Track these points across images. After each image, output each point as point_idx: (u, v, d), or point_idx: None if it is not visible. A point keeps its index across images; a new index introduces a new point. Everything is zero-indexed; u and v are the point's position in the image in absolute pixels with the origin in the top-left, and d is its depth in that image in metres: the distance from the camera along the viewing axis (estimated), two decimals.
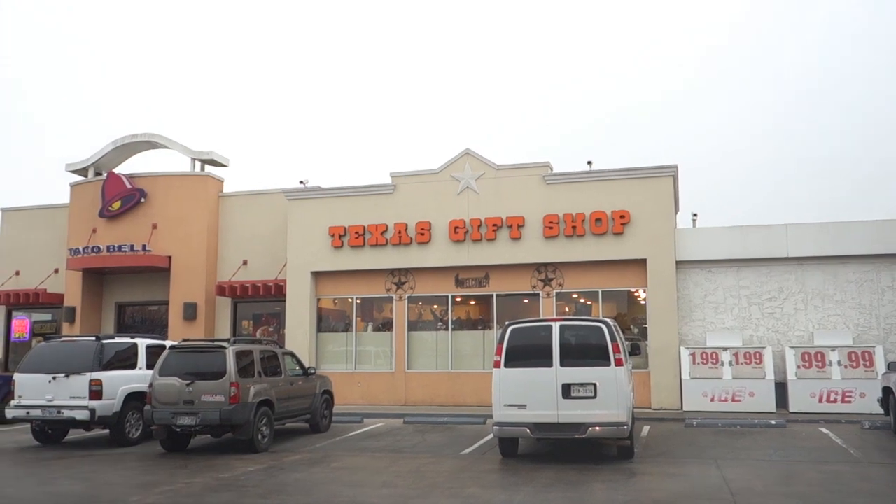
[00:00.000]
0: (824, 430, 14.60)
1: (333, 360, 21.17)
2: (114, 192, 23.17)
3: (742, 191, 50.35)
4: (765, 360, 17.58)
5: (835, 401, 16.97)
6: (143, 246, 22.65)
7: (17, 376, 14.23)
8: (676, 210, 20.36)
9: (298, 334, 21.01)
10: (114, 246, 22.75)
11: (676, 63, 61.82)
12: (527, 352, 11.48)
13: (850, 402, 16.86)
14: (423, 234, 20.29)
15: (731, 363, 17.71)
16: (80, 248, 23.13)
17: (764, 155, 52.50)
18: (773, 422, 15.66)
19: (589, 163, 20.03)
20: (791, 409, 17.11)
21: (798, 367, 17.39)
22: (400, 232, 20.45)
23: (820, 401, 17.03)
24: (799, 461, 11.36)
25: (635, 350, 14.27)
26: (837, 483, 9.67)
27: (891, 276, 18.18)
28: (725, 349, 17.87)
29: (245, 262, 22.88)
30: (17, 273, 25.10)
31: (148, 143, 24.46)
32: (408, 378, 20.43)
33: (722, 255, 18.89)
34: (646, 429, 15.07)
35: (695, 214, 20.79)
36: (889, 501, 8.97)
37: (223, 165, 24.09)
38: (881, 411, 14.94)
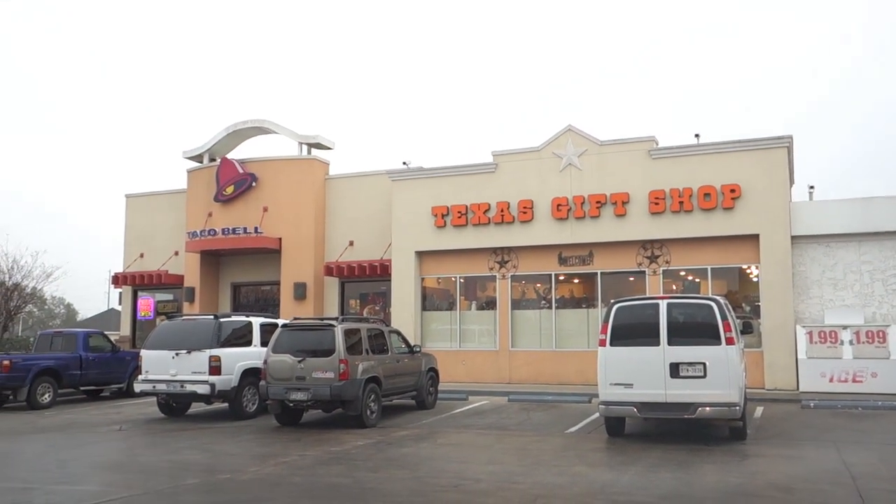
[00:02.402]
0: None
1: (438, 339, 21.44)
2: (227, 177, 24.15)
3: (866, 165, 47.44)
4: (889, 338, 16.58)
5: None
6: (255, 228, 23.53)
7: (143, 352, 15.13)
8: (791, 183, 19.39)
9: (404, 313, 21.37)
10: (228, 229, 23.75)
11: (789, 29, 58.68)
12: (633, 330, 11.27)
13: None
14: (525, 213, 20.16)
15: (851, 342, 16.81)
16: (198, 232, 24.26)
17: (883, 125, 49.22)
18: None
19: (696, 136, 19.35)
20: None
21: None
22: (502, 210, 20.40)
23: None
24: None
25: (747, 329, 13.75)
26: None
27: None
28: (845, 327, 16.96)
29: (351, 243, 23.42)
30: (142, 255, 26.62)
31: (258, 129, 25.35)
32: (512, 356, 20.46)
33: (842, 229, 17.90)
34: (759, 410, 14.54)
35: (811, 187, 19.73)
36: None
37: (329, 148, 24.68)
38: None
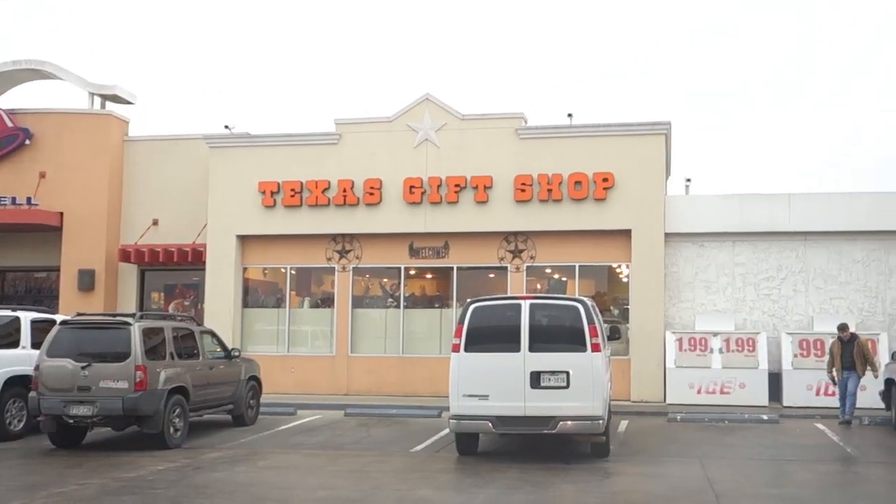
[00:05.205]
0: (820, 427, 15.19)
1: (262, 341, 21.15)
2: None
3: (745, 156, 51.06)
4: (758, 347, 18.02)
5: (833, 394, 17.39)
6: (28, 199, 22.15)
7: None
8: (668, 174, 20.60)
9: (220, 310, 20.89)
10: None
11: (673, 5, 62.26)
12: (491, 334, 11.64)
13: None
14: (372, 194, 20.20)
15: (721, 350, 18.12)
16: None
17: (772, 117, 53.31)
18: (764, 417, 16.26)
19: (569, 115, 19.96)
20: (785, 403, 17.69)
21: (795, 355, 17.89)
22: (345, 190, 20.32)
23: (817, 393, 17.58)
24: (791, 460, 11.83)
25: (615, 334, 14.52)
26: (832, 484, 10.13)
27: None
28: (716, 334, 18.26)
29: (155, 222, 22.57)
30: None
31: (34, 72, 23.72)
32: (351, 363, 20.51)
33: (716, 228, 19.13)
34: (624, 423, 15.44)
35: (688, 180, 20.97)
36: None
37: (129, 103, 23.60)
38: (882, 406, 15.46)
